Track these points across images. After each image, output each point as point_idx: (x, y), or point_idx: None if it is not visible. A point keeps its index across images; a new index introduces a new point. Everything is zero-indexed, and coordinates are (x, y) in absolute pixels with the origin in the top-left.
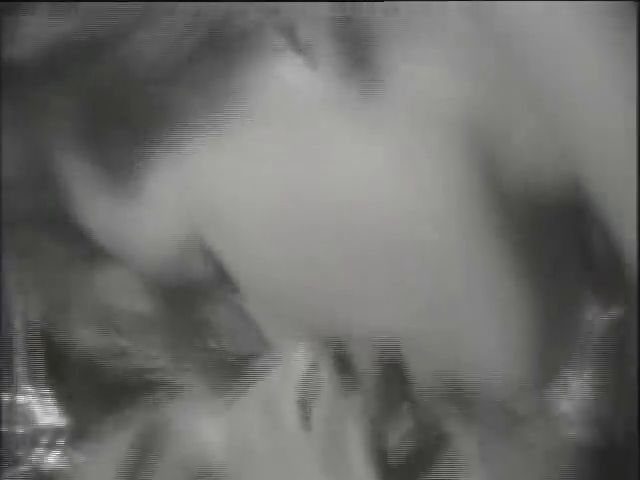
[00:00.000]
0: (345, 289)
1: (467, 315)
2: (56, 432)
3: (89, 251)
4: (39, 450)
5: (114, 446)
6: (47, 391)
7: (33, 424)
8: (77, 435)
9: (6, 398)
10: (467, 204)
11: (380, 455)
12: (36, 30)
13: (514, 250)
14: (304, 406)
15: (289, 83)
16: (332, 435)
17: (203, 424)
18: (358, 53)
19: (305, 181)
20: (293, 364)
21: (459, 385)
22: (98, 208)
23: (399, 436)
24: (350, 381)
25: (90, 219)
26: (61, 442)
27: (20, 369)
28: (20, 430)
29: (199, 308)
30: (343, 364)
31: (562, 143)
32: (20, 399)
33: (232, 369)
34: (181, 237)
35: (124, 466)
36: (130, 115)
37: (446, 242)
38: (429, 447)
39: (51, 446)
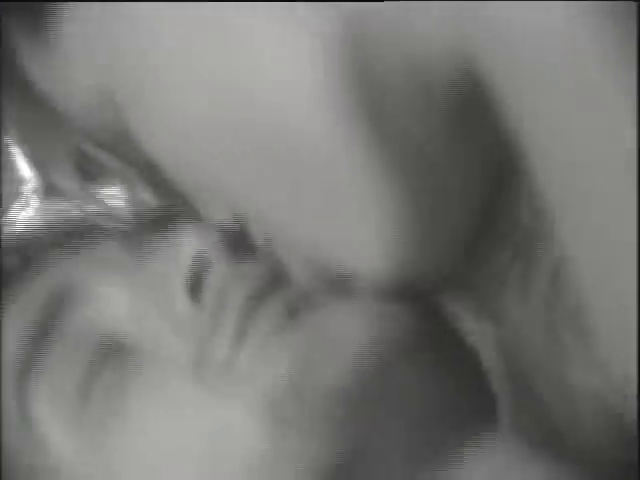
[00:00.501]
0: (244, 169)
1: (343, 205)
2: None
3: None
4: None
5: (23, 311)
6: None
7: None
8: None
9: None
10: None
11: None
12: None
13: (388, 140)
14: (194, 283)
15: None
16: (219, 308)
17: (109, 292)
18: None
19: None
20: (185, 242)
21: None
22: (29, 54)
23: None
24: (239, 259)
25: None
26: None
27: None
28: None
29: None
30: (234, 243)
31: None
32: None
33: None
34: (94, 92)
35: (28, 333)
36: None
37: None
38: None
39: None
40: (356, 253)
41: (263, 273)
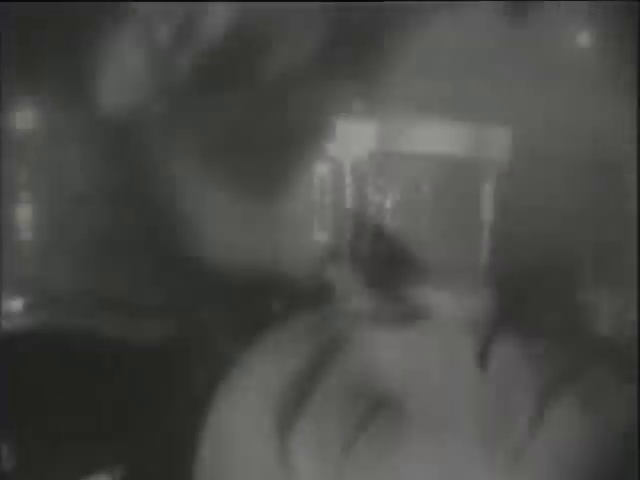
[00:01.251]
0: None
1: None
2: None
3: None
4: None
5: (290, 354)
6: None
7: None
8: None
9: None
10: None
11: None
12: None
13: None
14: (482, 346)
15: None
16: (506, 379)
17: (380, 345)
18: None
19: None
20: (468, 304)
21: None
22: (235, 226)
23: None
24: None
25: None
26: None
27: None
28: None
29: None
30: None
31: None
32: None
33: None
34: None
35: (297, 378)
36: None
37: None
38: None
39: None
40: None
41: (557, 353)
